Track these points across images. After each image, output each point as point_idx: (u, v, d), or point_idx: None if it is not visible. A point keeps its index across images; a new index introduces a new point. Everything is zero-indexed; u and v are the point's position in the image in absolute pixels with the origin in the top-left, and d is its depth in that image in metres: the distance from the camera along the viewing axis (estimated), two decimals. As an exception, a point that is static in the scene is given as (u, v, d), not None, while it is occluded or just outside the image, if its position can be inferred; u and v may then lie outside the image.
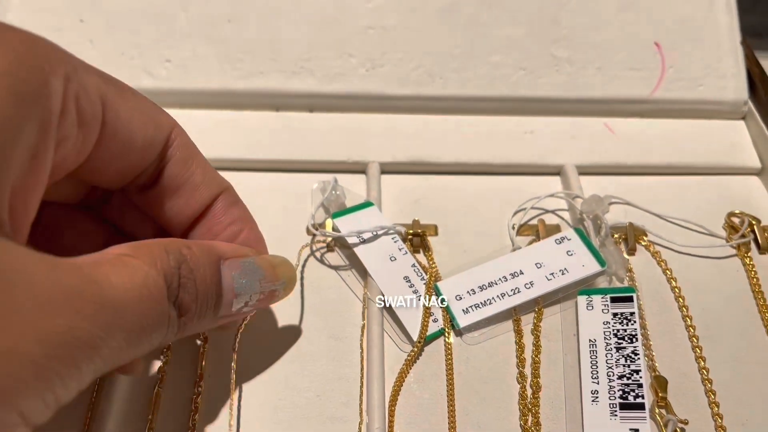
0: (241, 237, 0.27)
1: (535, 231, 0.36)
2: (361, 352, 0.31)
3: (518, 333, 0.32)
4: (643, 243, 0.35)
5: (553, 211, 0.37)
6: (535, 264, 0.33)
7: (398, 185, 0.38)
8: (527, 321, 0.32)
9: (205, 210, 0.27)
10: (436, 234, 0.36)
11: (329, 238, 0.35)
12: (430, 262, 0.34)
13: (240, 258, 0.24)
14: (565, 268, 0.33)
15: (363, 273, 0.33)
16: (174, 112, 0.39)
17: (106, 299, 0.18)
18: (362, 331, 0.31)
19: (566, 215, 0.37)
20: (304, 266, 0.34)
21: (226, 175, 0.28)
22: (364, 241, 0.34)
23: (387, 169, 0.38)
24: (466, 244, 0.35)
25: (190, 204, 0.26)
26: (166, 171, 0.25)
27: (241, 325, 0.28)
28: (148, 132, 0.24)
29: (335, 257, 0.35)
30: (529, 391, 0.30)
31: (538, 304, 0.32)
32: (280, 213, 0.36)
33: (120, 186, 0.26)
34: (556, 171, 0.39)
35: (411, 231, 0.35)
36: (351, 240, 0.33)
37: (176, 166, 0.25)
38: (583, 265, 0.33)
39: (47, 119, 0.19)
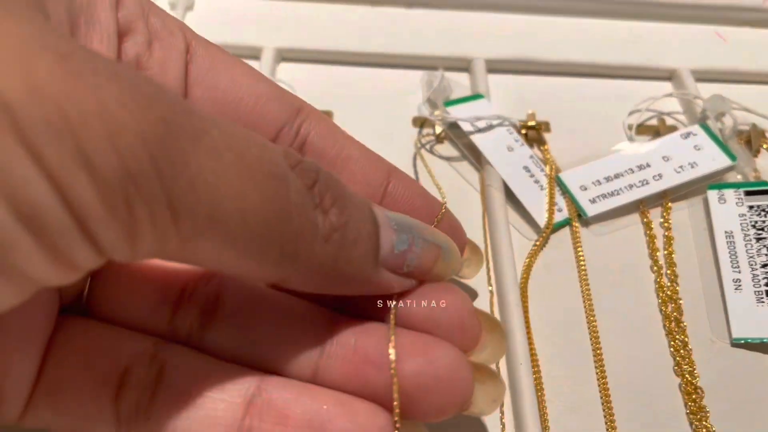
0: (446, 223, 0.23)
1: (653, 131, 0.34)
2: (484, 235, 0.29)
3: (647, 225, 0.30)
4: (766, 146, 0.34)
5: (668, 114, 0.35)
6: (662, 157, 0.31)
7: (504, 84, 0.36)
8: (654, 215, 0.31)
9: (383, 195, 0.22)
10: (549, 131, 0.34)
11: (439, 130, 0.33)
12: (547, 155, 0.33)
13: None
14: (695, 162, 0.31)
15: (476, 164, 0.32)
16: (270, 3, 0.38)
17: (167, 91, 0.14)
18: (483, 217, 0.30)
19: (682, 118, 0.35)
20: (414, 159, 0.33)
21: (323, 69, 0.24)
22: (478, 131, 0.32)
23: (492, 67, 0.36)
24: (582, 140, 0.34)
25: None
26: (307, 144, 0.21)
27: None
28: (252, 87, 0.20)
29: (445, 148, 0.33)
30: (665, 280, 0.28)
31: (665, 198, 0.31)
32: (382, 107, 0.35)
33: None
34: (667, 76, 0.37)
35: (527, 124, 0.33)
36: (466, 128, 0.32)
37: (320, 141, 0.21)
38: (713, 159, 0.31)
39: None
